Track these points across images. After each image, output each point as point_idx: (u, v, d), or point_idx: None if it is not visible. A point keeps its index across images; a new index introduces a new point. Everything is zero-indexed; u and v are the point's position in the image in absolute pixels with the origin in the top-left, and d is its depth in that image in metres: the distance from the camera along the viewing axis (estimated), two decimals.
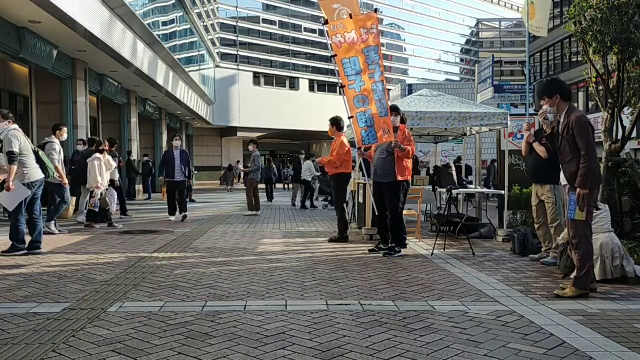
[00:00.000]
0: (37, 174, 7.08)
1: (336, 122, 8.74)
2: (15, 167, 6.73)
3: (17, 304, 4.42)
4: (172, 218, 11.69)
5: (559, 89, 4.96)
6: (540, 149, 6.43)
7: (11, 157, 6.69)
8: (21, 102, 15.38)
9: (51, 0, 10.72)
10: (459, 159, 14.25)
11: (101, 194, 10.13)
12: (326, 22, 7.77)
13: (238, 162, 34.91)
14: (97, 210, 10.08)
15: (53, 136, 9.39)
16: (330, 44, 7.74)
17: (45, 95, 15.72)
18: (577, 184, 4.66)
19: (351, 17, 7.67)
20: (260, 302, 4.50)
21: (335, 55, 7.69)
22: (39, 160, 7.22)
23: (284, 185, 31.98)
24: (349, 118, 7.81)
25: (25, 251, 6.93)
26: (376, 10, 8.31)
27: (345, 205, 8.82)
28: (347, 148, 8.60)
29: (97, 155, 10.20)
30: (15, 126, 7.01)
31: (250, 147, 14.19)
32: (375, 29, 7.59)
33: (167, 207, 12.21)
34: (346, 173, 8.67)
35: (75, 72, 15.92)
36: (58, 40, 13.69)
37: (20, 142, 6.87)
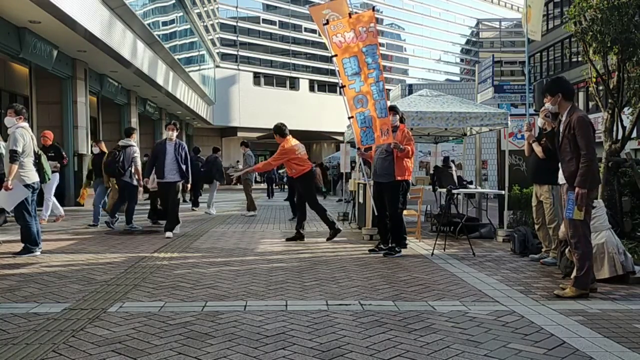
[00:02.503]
0: (33, 177, 6.96)
1: (277, 130, 8.64)
2: (15, 167, 6.65)
3: (17, 304, 4.42)
4: (168, 235, 8.79)
5: (561, 88, 4.98)
6: (537, 149, 6.43)
7: (13, 156, 6.60)
8: (21, 102, 15.36)
9: (51, 0, 10.73)
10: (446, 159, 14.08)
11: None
12: (327, 23, 7.77)
13: (238, 162, 34.94)
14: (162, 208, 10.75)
15: (130, 139, 9.95)
16: (330, 44, 7.74)
17: (45, 95, 15.73)
18: (576, 183, 4.67)
19: (350, 16, 7.67)
20: (260, 302, 4.50)
21: (336, 55, 7.68)
22: (39, 164, 7.15)
23: (281, 186, 32.12)
24: (349, 118, 7.81)
25: (39, 252, 6.89)
26: (373, 8, 8.27)
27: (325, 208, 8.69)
28: (286, 148, 8.43)
29: None
30: (24, 124, 6.90)
31: (241, 149, 14.21)
32: (374, 28, 7.57)
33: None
34: (308, 170, 8.55)
35: (75, 72, 15.94)
36: (58, 40, 13.70)
37: (25, 141, 6.79)
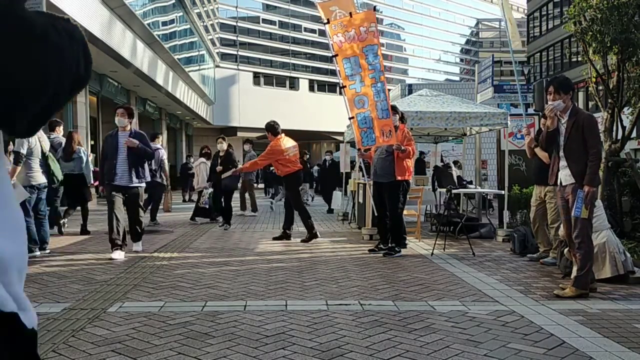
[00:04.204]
0: (39, 178, 7.00)
1: (270, 128, 8.48)
2: (19, 168, 6.67)
3: None
4: (116, 255, 6.53)
5: (572, 86, 5.05)
6: (542, 154, 6.42)
7: (17, 157, 6.63)
8: None
9: (51, 0, 10.72)
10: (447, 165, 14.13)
11: (209, 194, 11.18)
12: (327, 22, 7.76)
13: (237, 161, 34.91)
14: (207, 207, 11.15)
15: (155, 143, 10.18)
16: (332, 44, 7.72)
17: None
18: (586, 182, 4.69)
19: (351, 16, 7.66)
20: (260, 302, 4.50)
21: (336, 55, 7.67)
22: (46, 165, 7.20)
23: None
24: (349, 119, 7.79)
25: (39, 252, 6.87)
26: (375, 8, 8.24)
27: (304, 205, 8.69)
28: (274, 148, 8.30)
29: (203, 159, 11.64)
30: None
31: (246, 147, 13.97)
32: (375, 28, 7.56)
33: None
34: (294, 171, 8.41)
35: None
36: None
37: (30, 144, 6.81)
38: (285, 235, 8.51)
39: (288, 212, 8.67)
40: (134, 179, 6.77)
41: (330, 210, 14.00)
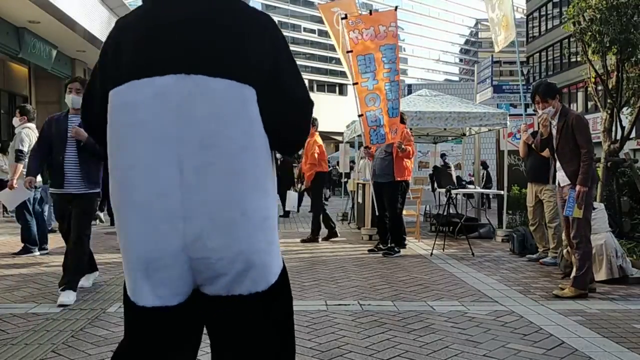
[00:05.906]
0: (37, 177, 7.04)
1: (313, 120, 8.53)
2: (21, 166, 6.66)
3: (16, 304, 4.41)
4: (85, 282, 4.92)
5: (557, 89, 5.15)
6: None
7: (19, 155, 6.60)
8: (20, 101, 15.35)
9: (50, 0, 10.73)
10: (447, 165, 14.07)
11: None
12: (345, 17, 7.79)
13: None
14: None
15: None
16: (347, 39, 7.73)
17: (44, 95, 15.72)
18: (578, 182, 4.71)
19: (371, 13, 7.72)
20: None
21: (351, 51, 7.68)
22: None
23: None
24: (359, 116, 7.77)
25: (38, 252, 6.86)
26: (396, 8, 8.29)
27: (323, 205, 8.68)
28: (319, 143, 8.37)
29: None
30: (30, 125, 6.90)
31: None
32: (394, 27, 7.61)
33: None
34: (322, 172, 8.45)
35: (74, 72, 15.92)
36: (57, 40, 13.70)
37: (31, 142, 6.81)
38: (332, 234, 8.51)
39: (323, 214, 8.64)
40: (85, 184, 4.67)
41: (286, 214, 12.53)
